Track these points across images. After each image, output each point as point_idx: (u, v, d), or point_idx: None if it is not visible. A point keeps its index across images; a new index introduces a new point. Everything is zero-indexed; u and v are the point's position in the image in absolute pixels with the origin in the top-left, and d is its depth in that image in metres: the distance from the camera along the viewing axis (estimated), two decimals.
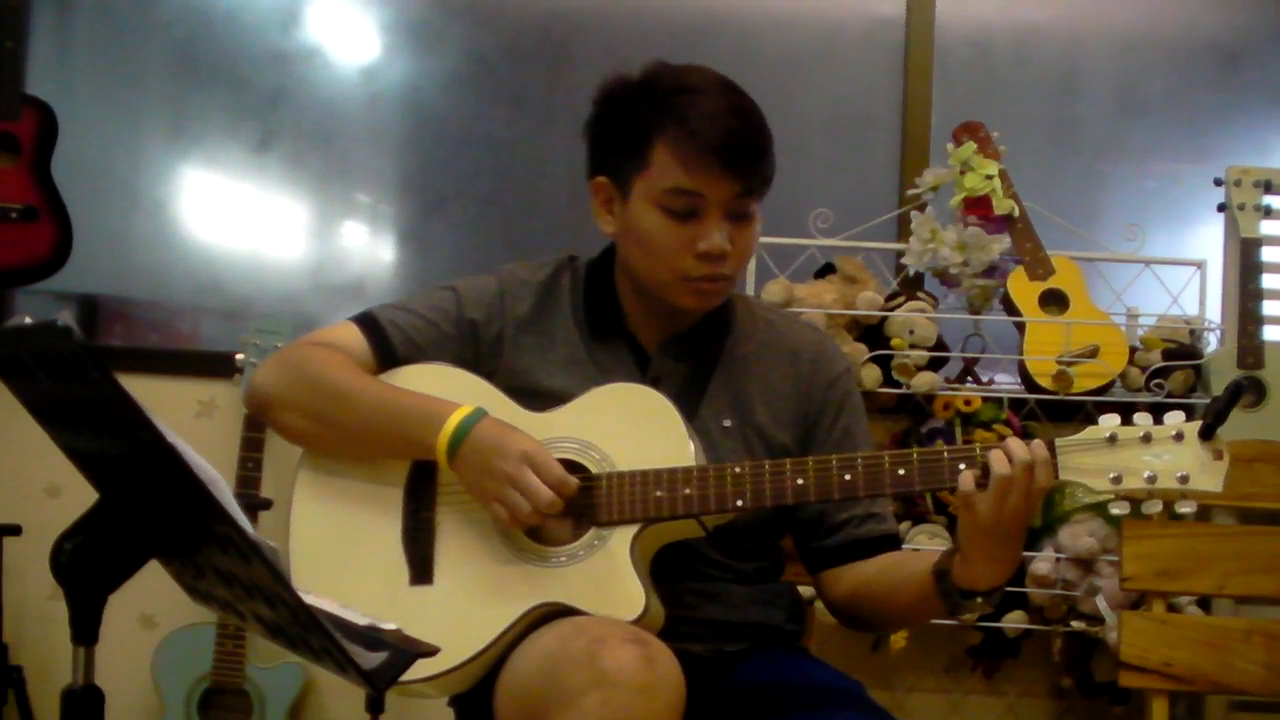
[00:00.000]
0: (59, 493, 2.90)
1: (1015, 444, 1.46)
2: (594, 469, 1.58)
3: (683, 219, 1.60)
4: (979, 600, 1.53)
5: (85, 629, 1.09)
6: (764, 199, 1.66)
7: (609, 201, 1.67)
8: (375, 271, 3.26)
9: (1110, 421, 1.48)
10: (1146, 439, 1.46)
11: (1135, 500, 1.48)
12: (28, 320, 1.04)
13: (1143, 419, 1.48)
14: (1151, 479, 1.45)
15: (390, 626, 1.08)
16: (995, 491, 1.44)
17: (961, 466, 1.48)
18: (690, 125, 1.58)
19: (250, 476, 2.73)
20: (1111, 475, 1.46)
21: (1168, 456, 1.46)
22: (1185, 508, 1.47)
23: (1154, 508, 1.47)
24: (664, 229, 1.61)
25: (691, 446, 1.56)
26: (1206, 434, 1.45)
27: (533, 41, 3.20)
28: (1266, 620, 2.25)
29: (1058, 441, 1.49)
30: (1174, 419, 1.47)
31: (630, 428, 1.59)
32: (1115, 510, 1.49)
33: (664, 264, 1.62)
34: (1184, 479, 1.44)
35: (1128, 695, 2.65)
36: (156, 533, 1.11)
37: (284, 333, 2.80)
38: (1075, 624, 2.59)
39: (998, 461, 1.45)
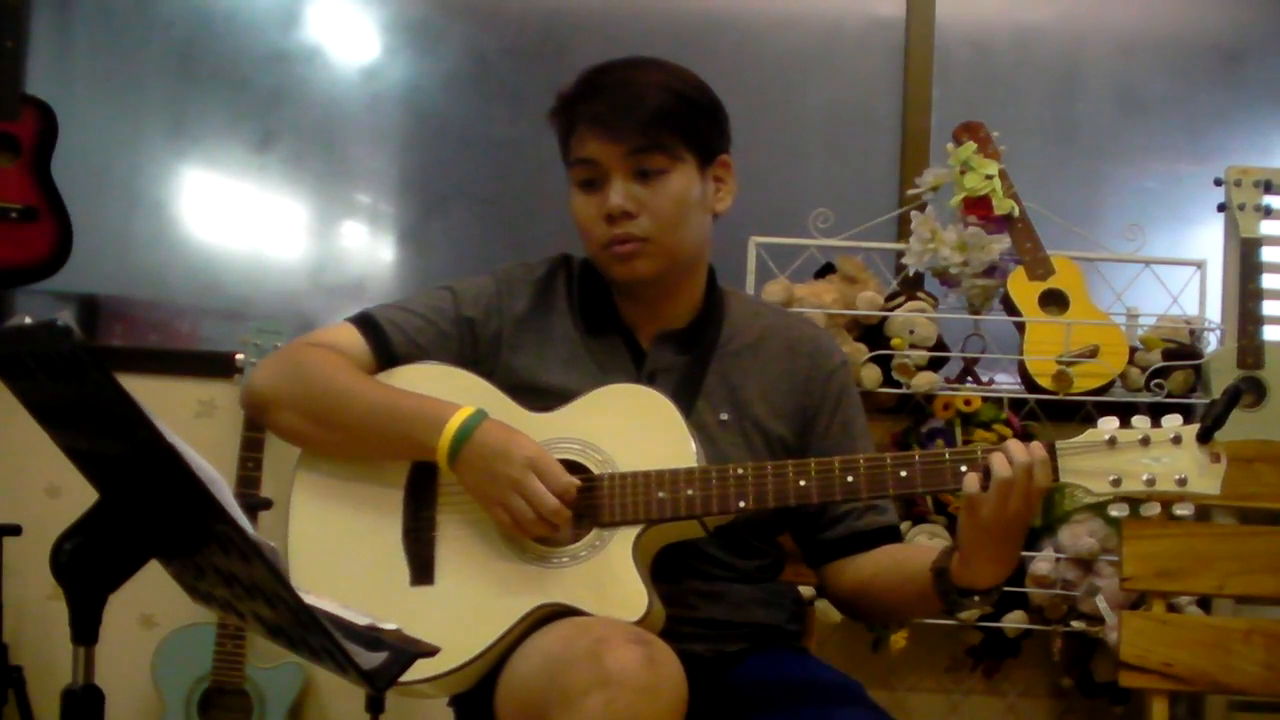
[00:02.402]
0: (59, 493, 2.90)
1: (1015, 446, 1.47)
2: (595, 470, 1.58)
3: (591, 190, 1.67)
4: (976, 599, 1.53)
5: (85, 629, 1.09)
6: (704, 157, 1.69)
7: None
8: (375, 271, 3.26)
9: (1109, 424, 1.50)
10: (1145, 442, 1.48)
11: (1134, 501, 1.50)
12: (28, 320, 1.04)
13: (1141, 422, 1.49)
14: (1150, 482, 1.47)
15: (390, 626, 1.08)
16: (997, 494, 1.46)
17: (963, 469, 1.50)
18: (577, 100, 1.68)
19: (250, 476, 2.72)
20: (1111, 478, 1.48)
21: (1166, 459, 1.47)
22: (1183, 510, 1.49)
23: (1152, 509, 1.50)
24: (582, 204, 1.68)
25: (693, 447, 1.57)
26: (1204, 437, 1.46)
27: (533, 41, 3.20)
28: (1266, 620, 2.25)
29: (1058, 444, 1.50)
30: (1172, 422, 1.49)
31: (632, 428, 1.59)
32: (1114, 512, 1.51)
33: (588, 238, 1.69)
34: (1182, 481, 1.46)
35: (1128, 695, 2.65)
36: (156, 533, 1.11)
37: (284, 333, 2.80)
38: (1075, 624, 2.59)
39: (999, 464, 1.46)
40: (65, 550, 1.08)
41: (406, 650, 1.05)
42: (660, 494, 1.54)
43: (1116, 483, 1.47)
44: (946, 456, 1.51)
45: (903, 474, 1.52)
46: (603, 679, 1.33)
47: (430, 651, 1.09)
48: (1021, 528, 1.49)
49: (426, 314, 1.72)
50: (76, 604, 1.09)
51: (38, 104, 2.88)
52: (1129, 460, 1.48)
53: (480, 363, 1.71)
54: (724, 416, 1.70)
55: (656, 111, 1.64)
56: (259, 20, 3.21)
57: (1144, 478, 1.47)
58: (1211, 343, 2.73)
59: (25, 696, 2.68)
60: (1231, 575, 2.17)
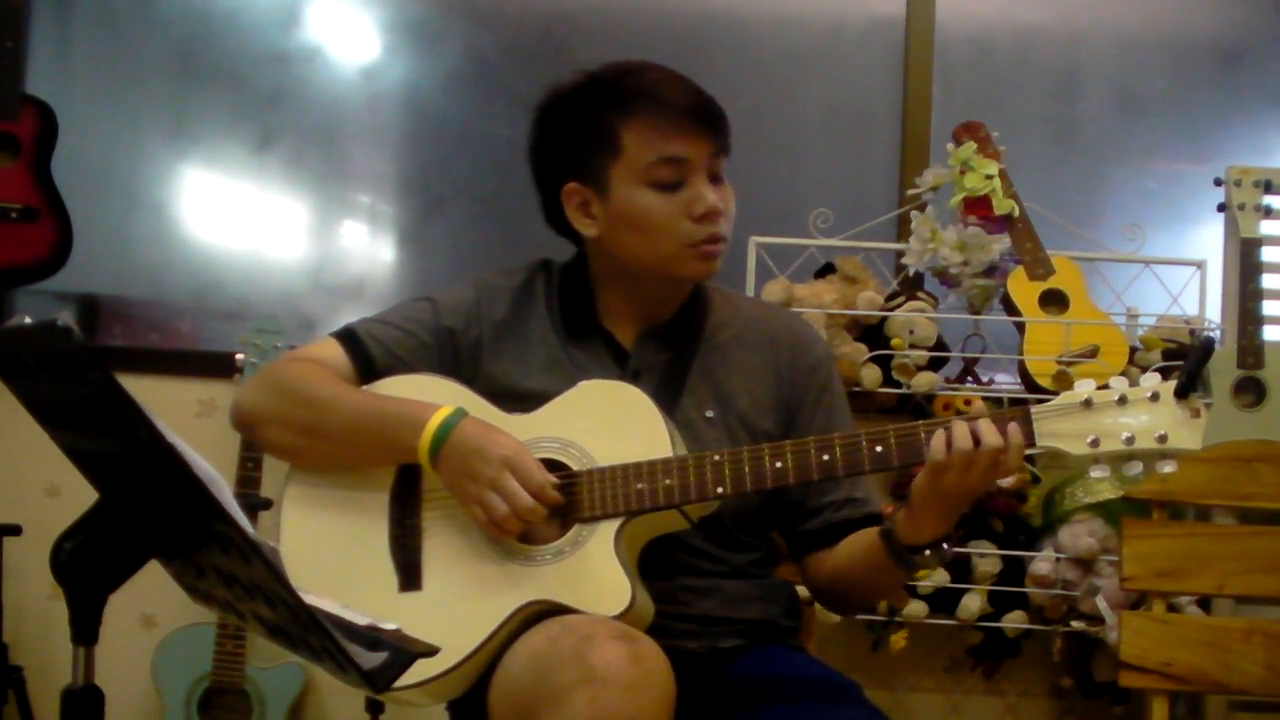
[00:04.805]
0: (59, 493, 2.90)
1: (985, 426, 1.47)
2: (575, 466, 1.58)
3: (672, 189, 1.64)
4: (926, 554, 1.54)
5: (85, 629, 1.09)
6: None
7: (585, 204, 1.69)
8: (375, 271, 3.26)
9: (1085, 386, 1.48)
10: (1122, 401, 1.46)
11: (1117, 462, 1.48)
12: (28, 320, 1.04)
13: (1118, 382, 1.48)
14: (1129, 440, 1.45)
15: (390, 627, 1.08)
16: (960, 463, 1.46)
17: None
18: (658, 97, 1.63)
19: (250, 476, 2.72)
20: (1089, 439, 1.46)
21: (1145, 417, 1.45)
22: (1166, 467, 1.46)
23: (1134, 469, 1.47)
24: (657, 203, 1.64)
25: (670, 438, 1.57)
26: (1182, 393, 1.45)
27: (533, 41, 3.21)
28: (1266, 620, 2.25)
29: (1033, 409, 1.49)
30: (1148, 380, 1.47)
31: (609, 424, 1.59)
32: (1095, 473, 1.49)
33: (665, 237, 1.65)
34: (1162, 438, 1.44)
35: (1128, 695, 2.65)
36: (156, 533, 1.11)
37: (284, 333, 2.80)
38: (1075, 624, 2.59)
39: (960, 436, 1.46)
40: (65, 550, 1.08)
41: (406, 650, 1.05)
42: (639, 485, 1.54)
43: (1095, 443, 1.46)
44: (921, 430, 1.51)
45: (878, 449, 1.51)
46: (587, 676, 1.34)
47: (430, 651, 1.09)
48: (975, 496, 1.50)
49: (406, 326, 1.73)
50: (76, 604, 1.09)
51: (38, 104, 2.87)
52: (1107, 420, 1.46)
53: (461, 371, 1.71)
54: (709, 413, 1.70)
55: (722, 112, 1.67)
56: (259, 20, 3.21)
57: (1123, 436, 1.45)
58: None
59: (25, 696, 2.68)
60: (1231, 575, 2.17)
